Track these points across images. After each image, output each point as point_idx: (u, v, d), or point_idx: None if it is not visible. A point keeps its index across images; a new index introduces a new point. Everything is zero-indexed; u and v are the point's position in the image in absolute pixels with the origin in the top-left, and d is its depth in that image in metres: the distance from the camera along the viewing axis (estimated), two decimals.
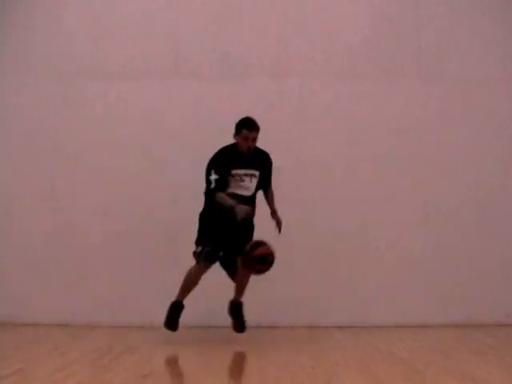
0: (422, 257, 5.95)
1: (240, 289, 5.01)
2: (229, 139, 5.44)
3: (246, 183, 4.99)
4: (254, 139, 4.93)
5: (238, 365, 4.13)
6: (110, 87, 6.08)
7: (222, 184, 4.93)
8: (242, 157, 4.97)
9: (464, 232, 5.99)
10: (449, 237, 5.98)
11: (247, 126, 4.92)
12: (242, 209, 4.73)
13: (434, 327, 5.76)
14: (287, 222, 5.90)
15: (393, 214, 5.99)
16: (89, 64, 6.09)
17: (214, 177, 4.95)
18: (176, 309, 4.96)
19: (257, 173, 5.02)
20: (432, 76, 6.11)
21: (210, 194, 4.99)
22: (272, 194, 5.19)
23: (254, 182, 5.02)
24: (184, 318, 5.53)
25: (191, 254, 5.80)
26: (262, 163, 5.07)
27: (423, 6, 6.17)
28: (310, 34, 6.12)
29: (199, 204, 5.76)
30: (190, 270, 4.92)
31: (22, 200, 5.99)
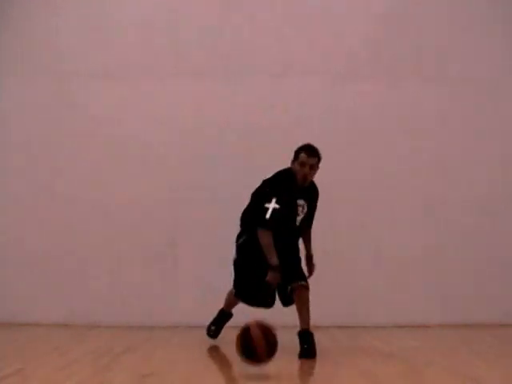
0: (422, 257, 5.95)
1: (300, 316, 4.52)
2: (229, 139, 5.45)
3: (305, 211, 4.64)
4: (313, 166, 4.46)
5: (238, 365, 4.12)
6: (110, 87, 6.07)
7: (279, 218, 4.37)
8: (301, 187, 4.54)
9: (464, 232, 5.98)
10: (449, 237, 5.97)
11: (305, 150, 4.47)
12: (274, 277, 4.38)
13: (434, 327, 5.75)
14: None
15: (393, 214, 5.99)
16: (89, 64, 6.10)
17: (274, 206, 4.38)
18: (222, 317, 4.92)
19: (307, 203, 4.63)
20: (432, 76, 6.11)
21: (258, 224, 4.41)
22: (310, 236, 4.87)
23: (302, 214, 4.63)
24: (184, 317, 5.56)
25: (191, 254, 5.85)
26: (311, 196, 4.69)
27: (423, 6, 6.17)
28: (310, 33, 6.12)
29: (199, 204, 5.78)
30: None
31: (22, 200, 5.99)
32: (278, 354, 4.46)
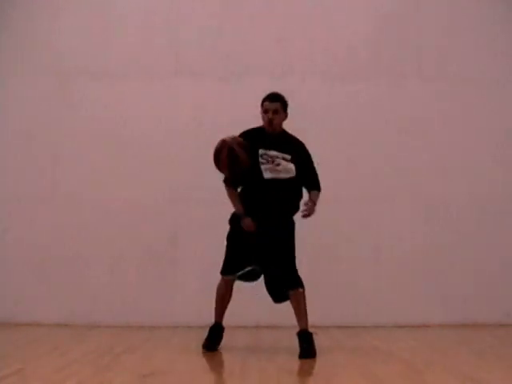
0: (422, 257, 5.95)
1: (297, 317, 4.56)
2: None
3: (281, 166, 4.56)
4: (276, 111, 4.57)
5: (238, 365, 4.13)
6: (110, 87, 6.08)
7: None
8: (271, 138, 4.59)
9: (464, 232, 5.99)
10: (449, 237, 5.98)
11: (267, 97, 4.62)
12: (247, 224, 4.52)
13: (434, 327, 5.76)
14: None
15: (393, 213, 5.99)
16: (89, 64, 6.10)
17: None
18: (214, 331, 4.74)
19: (289, 157, 4.58)
20: (432, 76, 6.12)
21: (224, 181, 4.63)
22: (316, 196, 4.67)
23: (291, 164, 4.57)
24: (184, 317, 5.55)
25: (191, 254, 5.83)
26: (293, 149, 4.62)
27: (423, 6, 6.17)
28: (310, 33, 6.13)
29: (199, 204, 5.78)
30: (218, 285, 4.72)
31: (22, 200, 5.99)
32: (278, 354, 4.48)
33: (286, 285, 4.55)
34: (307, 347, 4.40)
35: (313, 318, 5.80)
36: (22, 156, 6.04)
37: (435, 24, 6.16)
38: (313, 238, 5.93)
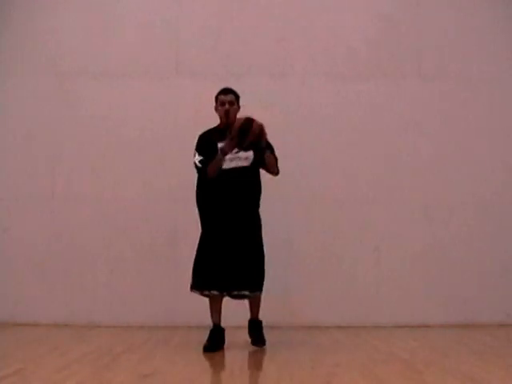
0: (422, 257, 5.95)
1: (251, 309, 4.77)
2: None
3: (241, 154, 4.68)
4: (231, 102, 4.74)
5: (237, 365, 4.13)
6: (110, 87, 6.08)
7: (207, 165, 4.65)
8: (227, 130, 4.69)
9: (464, 232, 5.99)
10: (449, 237, 5.98)
11: (221, 92, 4.79)
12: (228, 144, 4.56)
13: (434, 327, 5.76)
14: (287, 221, 5.91)
15: (393, 214, 5.99)
16: (89, 64, 6.10)
17: (198, 158, 4.73)
18: (214, 334, 4.73)
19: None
20: (432, 76, 6.12)
21: (198, 179, 4.75)
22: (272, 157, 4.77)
23: (250, 152, 4.68)
24: (184, 317, 5.54)
25: (191, 254, 5.81)
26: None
27: (423, 6, 6.17)
28: (310, 33, 6.13)
29: None
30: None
31: (22, 200, 5.99)
32: (278, 354, 4.48)
33: (246, 285, 4.60)
34: (258, 335, 4.67)
35: (313, 318, 5.82)
36: (22, 156, 6.04)
37: (435, 24, 6.16)
38: (313, 238, 5.94)
